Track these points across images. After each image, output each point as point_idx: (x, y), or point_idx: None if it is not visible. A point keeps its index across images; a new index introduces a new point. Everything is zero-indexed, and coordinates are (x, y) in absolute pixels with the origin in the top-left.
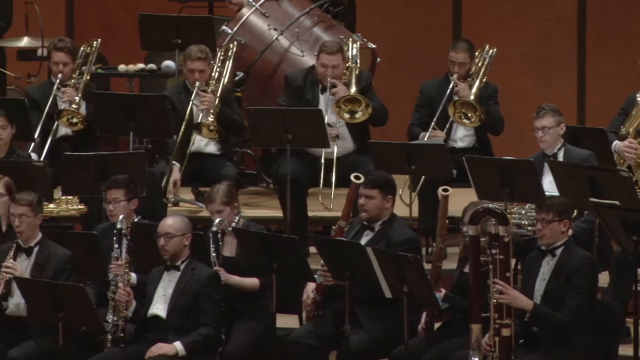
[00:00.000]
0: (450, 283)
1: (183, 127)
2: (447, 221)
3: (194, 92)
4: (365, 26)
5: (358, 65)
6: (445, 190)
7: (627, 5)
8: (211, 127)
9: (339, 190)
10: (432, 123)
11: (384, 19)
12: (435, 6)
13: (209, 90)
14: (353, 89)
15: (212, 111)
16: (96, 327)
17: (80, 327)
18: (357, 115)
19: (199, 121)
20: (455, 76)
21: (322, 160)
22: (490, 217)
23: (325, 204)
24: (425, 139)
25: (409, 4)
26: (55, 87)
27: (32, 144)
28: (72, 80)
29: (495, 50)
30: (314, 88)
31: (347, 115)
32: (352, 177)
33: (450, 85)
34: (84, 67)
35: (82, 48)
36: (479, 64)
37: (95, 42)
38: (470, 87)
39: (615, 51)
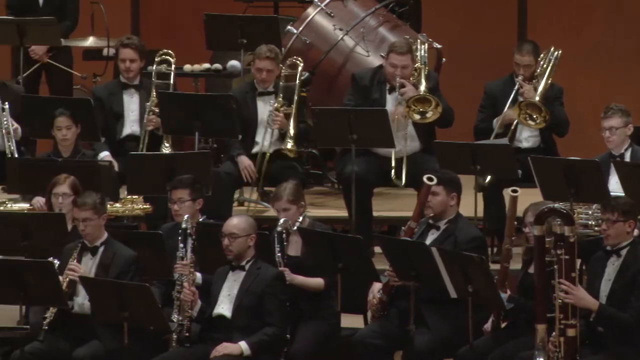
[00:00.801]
0: (514, 284)
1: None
2: (515, 222)
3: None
4: (429, 26)
5: (427, 66)
6: (514, 191)
7: None
8: (292, 153)
9: (406, 190)
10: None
11: (448, 18)
12: (500, 6)
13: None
14: (422, 88)
15: (290, 134)
16: (161, 326)
17: (145, 327)
18: (427, 115)
19: (279, 148)
20: (520, 78)
21: (393, 161)
22: (556, 217)
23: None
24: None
25: (473, 4)
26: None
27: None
28: None
29: (560, 52)
30: (381, 88)
31: (417, 116)
32: (424, 179)
33: (516, 87)
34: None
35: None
36: (544, 66)
37: None
38: (536, 88)
39: None
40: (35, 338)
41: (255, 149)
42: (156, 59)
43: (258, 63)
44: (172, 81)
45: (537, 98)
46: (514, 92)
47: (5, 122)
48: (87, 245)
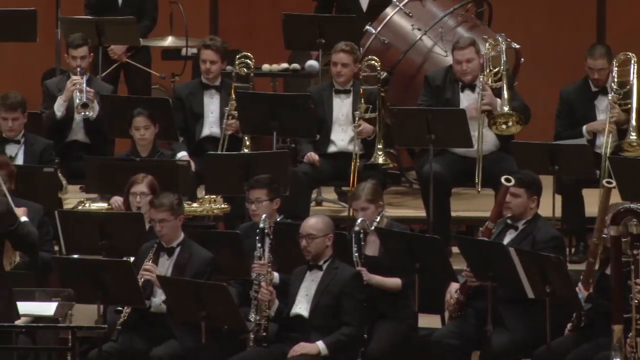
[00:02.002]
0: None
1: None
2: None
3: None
4: (507, 26)
5: (505, 70)
6: (609, 182)
7: None
8: (386, 164)
9: (484, 190)
10: None
11: (526, 18)
12: (579, 6)
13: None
14: (506, 109)
15: (379, 146)
16: (239, 326)
17: (222, 326)
18: (509, 126)
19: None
20: (611, 96)
21: (478, 160)
22: (633, 218)
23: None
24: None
25: (552, 4)
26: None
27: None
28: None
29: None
30: (453, 87)
31: (503, 127)
32: (502, 180)
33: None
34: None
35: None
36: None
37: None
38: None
39: None
40: (111, 338)
41: (331, 149)
42: (236, 61)
43: (334, 57)
44: (250, 84)
45: (634, 122)
46: (602, 106)
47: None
48: (163, 245)
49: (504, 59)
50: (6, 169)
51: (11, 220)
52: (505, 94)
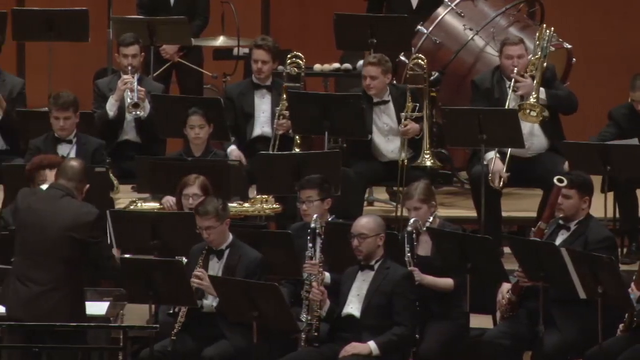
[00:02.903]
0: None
1: None
2: None
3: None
4: (559, 26)
5: (545, 59)
6: (560, 180)
7: None
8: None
9: (535, 191)
10: None
11: (579, 18)
12: (633, 5)
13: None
14: (533, 98)
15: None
16: (290, 326)
17: (274, 326)
18: (532, 114)
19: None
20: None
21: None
22: None
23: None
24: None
25: (605, 3)
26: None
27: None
28: None
29: None
30: (501, 87)
31: (534, 114)
32: (555, 180)
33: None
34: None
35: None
36: None
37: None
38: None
39: None
40: (164, 337)
41: (380, 159)
42: (287, 61)
43: (363, 70)
44: (300, 83)
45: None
46: None
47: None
48: (212, 248)
49: (543, 49)
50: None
51: (93, 233)
52: (534, 84)
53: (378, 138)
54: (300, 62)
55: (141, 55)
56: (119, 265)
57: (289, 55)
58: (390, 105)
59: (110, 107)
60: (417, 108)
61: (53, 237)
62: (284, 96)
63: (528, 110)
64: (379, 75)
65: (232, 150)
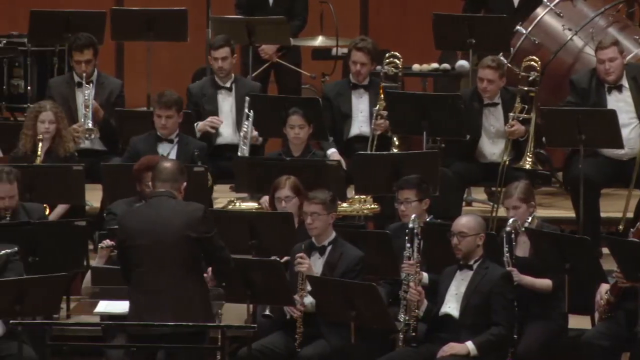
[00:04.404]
0: None
1: None
2: None
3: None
4: None
5: None
6: None
7: None
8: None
9: (635, 191)
10: None
11: None
12: None
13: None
14: None
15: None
16: (388, 326)
17: (372, 326)
18: None
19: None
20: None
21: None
22: None
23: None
24: None
25: None
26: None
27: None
28: None
29: None
30: (599, 89)
31: None
32: None
33: None
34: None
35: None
36: None
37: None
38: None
39: None
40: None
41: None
42: (385, 61)
43: (480, 72)
44: (398, 83)
45: None
46: None
47: (245, 128)
48: (315, 244)
49: None
50: None
51: (205, 227)
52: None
53: (483, 140)
54: (398, 61)
55: (233, 57)
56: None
57: (386, 55)
58: (500, 107)
59: (197, 131)
60: (525, 110)
61: (171, 242)
62: (382, 96)
63: None
64: (496, 79)
65: (333, 153)
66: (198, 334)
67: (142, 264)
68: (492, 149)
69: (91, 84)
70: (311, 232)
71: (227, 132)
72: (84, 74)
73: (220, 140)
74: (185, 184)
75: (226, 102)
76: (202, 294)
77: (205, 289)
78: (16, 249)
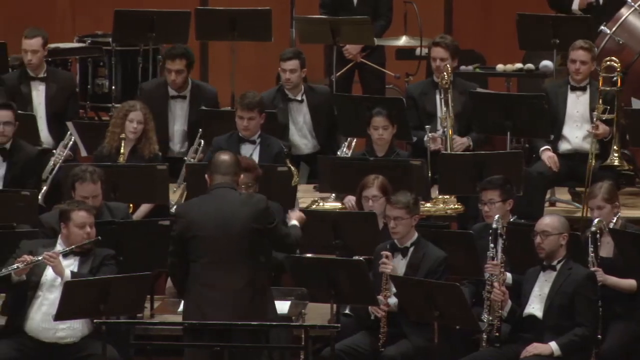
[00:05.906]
0: None
1: None
2: None
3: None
4: None
5: None
6: None
7: None
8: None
9: None
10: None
11: None
12: None
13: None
14: None
15: (615, 148)
16: (471, 326)
17: (455, 326)
18: None
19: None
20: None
21: None
22: None
23: None
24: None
25: None
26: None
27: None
28: None
29: None
30: None
31: None
32: None
33: None
34: None
35: None
36: None
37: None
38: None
39: None
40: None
41: (564, 146)
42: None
43: (571, 54)
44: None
45: None
46: None
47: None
48: (397, 245)
49: None
50: (254, 172)
51: (269, 218)
52: None
53: (567, 122)
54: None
55: (302, 70)
56: (298, 235)
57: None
58: (587, 93)
59: None
60: (607, 110)
61: (236, 233)
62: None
63: None
64: (588, 60)
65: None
66: (259, 331)
67: (205, 255)
68: (577, 133)
69: (186, 98)
70: (394, 236)
71: (302, 143)
72: (173, 83)
73: (295, 152)
74: (242, 176)
75: (299, 114)
76: (262, 288)
77: (267, 284)
78: (113, 252)
